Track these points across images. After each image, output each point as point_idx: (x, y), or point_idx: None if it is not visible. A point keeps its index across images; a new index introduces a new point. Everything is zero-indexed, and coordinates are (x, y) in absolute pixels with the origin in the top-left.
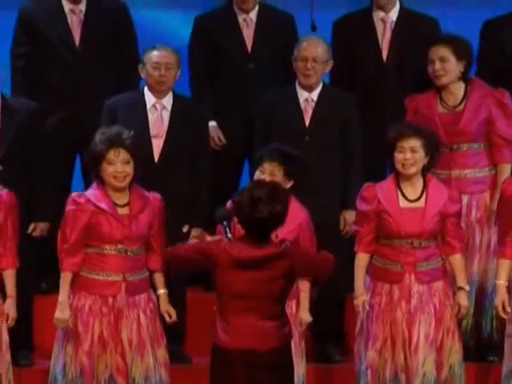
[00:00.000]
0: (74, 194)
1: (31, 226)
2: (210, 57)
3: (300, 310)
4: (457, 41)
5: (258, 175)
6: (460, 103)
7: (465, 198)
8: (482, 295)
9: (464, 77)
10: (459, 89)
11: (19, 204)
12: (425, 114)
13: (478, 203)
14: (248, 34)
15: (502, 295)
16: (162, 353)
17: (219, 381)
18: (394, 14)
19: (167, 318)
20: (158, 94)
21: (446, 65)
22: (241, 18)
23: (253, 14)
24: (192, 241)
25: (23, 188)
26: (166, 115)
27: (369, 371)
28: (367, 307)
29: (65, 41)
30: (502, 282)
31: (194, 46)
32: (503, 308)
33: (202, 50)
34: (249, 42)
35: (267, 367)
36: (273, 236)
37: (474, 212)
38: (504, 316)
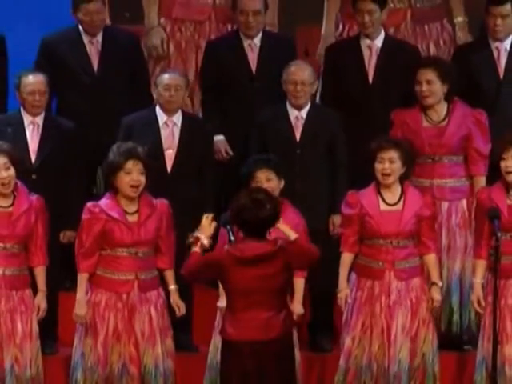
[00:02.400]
0: (89, 204)
1: (61, 234)
2: (219, 78)
3: (294, 303)
4: (443, 66)
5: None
6: (443, 119)
7: (445, 205)
8: (460, 291)
9: (447, 97)
10: (442, 107)
11: (49, 212)
12: (411, 128)
13: (456, 209)
14: (252, 57)
15: (477, 292)
16: (170, 343)
17: (231, 372)
18: (379, 42)
19: (177, 311)
20: (169, 112)
21: (432, 87)
22: (246, 43)
23: (257, 39)
24: (194, 247)
25: (53, 197)
26: (177, 131)
27: (342, 358)
28: (349, 300)
29: (84, 68)
30: (478, 281)
31: (206, 69)
32: (479, 303)
33: (212, 72)
34: (253, 64)
35: (275, 355)
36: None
37: (453, 217)
38: (480, 310)
